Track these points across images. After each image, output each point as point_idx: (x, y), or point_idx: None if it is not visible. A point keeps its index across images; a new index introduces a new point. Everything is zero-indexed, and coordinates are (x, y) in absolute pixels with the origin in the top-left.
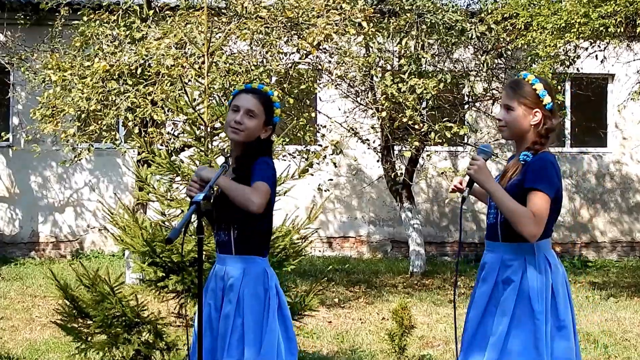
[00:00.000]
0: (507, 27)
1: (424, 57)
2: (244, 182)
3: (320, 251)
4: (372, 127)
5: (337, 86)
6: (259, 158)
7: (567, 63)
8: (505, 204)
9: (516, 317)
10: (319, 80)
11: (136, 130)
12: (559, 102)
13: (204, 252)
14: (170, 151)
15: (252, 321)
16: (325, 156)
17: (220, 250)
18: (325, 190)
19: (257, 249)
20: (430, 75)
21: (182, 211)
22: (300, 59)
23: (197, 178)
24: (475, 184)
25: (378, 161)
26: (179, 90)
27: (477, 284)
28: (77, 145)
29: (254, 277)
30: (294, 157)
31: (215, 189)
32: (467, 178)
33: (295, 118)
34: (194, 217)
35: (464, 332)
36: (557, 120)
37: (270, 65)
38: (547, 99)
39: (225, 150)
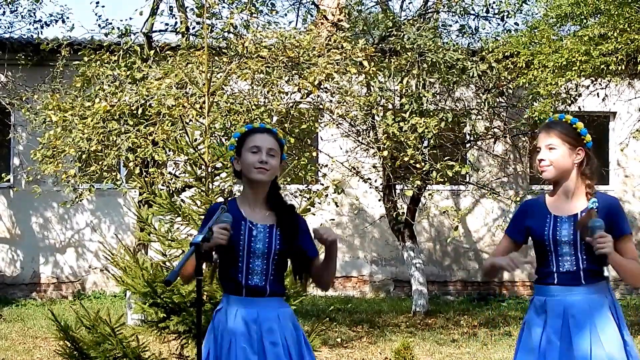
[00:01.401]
0: (508, 66)
1: (425, 96)
2: (290, 232)
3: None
4: (374, 166)
5: (339, 125)
6: (299, 215)
7: (569, 101)
8: (626, 267)
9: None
10: (320, 119)
11: (137, 171)
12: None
13: (205, 293)
14: (171, 192)
15: None
16: (326, 195)
17: (251, 294)
18: None
19: (284, 290)
20: (431, 114)
21: (183, 252)
22: (301, 98)
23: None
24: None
25: (380, 200)
26: (179, 130)
27: (564, 330)
28: (78, 185)
29: (288, 317)
30: (296, 197)
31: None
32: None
33: (296, 157)
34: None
35: None
36: (594, 159)
37: (271, 105)
38: (588, 137)
39: (226, 192)
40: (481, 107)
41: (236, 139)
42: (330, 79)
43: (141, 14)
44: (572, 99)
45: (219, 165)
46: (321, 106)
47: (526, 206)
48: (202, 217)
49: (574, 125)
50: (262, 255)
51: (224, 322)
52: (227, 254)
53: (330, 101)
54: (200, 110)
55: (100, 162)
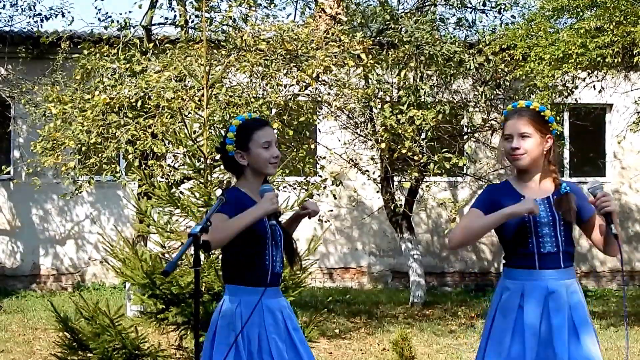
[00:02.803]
0: (505, 58)
1: (423, 89)
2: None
3: (320, 282)
4: (372, 159)
5: (337, 118)
6: None
7: (565, 93)
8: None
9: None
10: (319, 111)
11: (136, 163)
12: (557, 132)
13: (203, 284)
14: (170, 184)
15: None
16: (325, 187)
17: (273, 282)
18: (325, 222)
19: None
20: (429, 106)
21: (182, 243)
22: (299, 90)
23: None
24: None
25: (378, 192)
26: (178, 122)
27: (547, 316)
28: (78, 178)
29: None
30: (294, 189)
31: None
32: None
33: (294, 150)
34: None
35: None
36: (558, 147)
37: (270, 97)
38: (554, 125)
39: (224, 183)
40: (478, 99)
41: (234, 132)
42: (328, 72)
43: (140, 7)
44: (568, 91)
45: (217, 157)
46: (319, 98)
47: (495, 188)
48: (201, 208)
49: (542, 113)
50: (278, 244)
51: (246, 315)
52: (249, 243)
53: (329, 94)
54: (199, 103)
55: (99, 155)
